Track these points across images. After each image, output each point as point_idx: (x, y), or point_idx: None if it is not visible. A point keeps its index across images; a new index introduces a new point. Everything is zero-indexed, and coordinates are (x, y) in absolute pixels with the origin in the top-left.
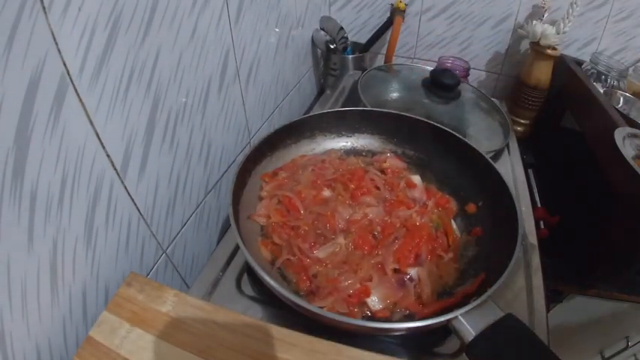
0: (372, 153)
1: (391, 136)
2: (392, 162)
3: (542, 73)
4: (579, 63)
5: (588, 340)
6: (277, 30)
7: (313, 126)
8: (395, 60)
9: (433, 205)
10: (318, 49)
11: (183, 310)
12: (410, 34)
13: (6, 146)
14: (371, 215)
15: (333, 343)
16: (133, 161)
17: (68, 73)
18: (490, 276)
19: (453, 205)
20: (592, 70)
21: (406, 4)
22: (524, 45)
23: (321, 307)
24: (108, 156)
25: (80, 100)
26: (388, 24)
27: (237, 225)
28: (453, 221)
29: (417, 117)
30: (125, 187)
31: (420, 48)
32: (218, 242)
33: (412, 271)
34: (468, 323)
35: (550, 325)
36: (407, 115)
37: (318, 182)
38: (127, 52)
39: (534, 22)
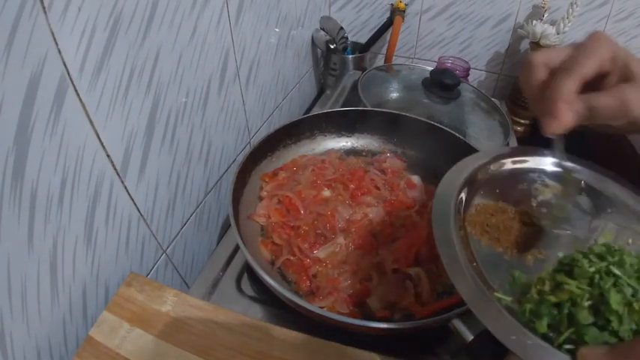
0: (372, 153)
1: (391, 136)
2: (392, 162)
3: None
4: None
5: None
6: (277, 30)
7: (313, 126)
8: (395, 60)
9: None
10: (318, 49)
11: (183, 310)
12: (410, 34)
13: (6, 146)
14: (371, 215)
15: (333, 343)
16: (133, 161)
17: (68, 73)
18: None
19: None
20: None
21: (406, 4)
22: (524, 45)
23: (321, 307)
24: (108, 156)
25: (80, 100)
26: (388, 24)
27: (237, 225)
28: None
29: (417, 117)
30: (125, 187)
31: (420, 48)
32: (218, 242)
33: (412, 271)
34: (468, 323)
35: None
36: (407, 115)
37: (318, 182)
38: (127, 52)
39: (534, 22)
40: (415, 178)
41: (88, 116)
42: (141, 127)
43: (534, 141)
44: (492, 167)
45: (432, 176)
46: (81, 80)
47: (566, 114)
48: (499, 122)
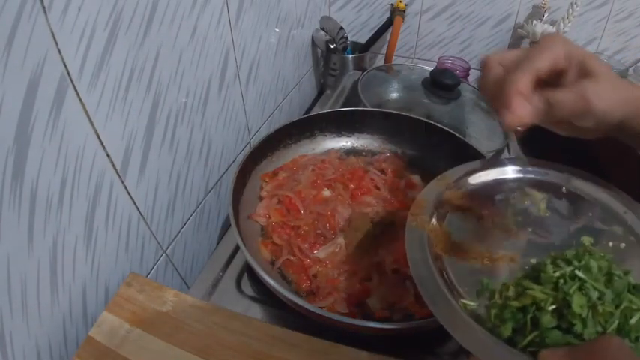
0: (372, 153)
1: (391, 136)
2: (392, 162)
3: None
4: None
5: None
6: (277, 30)
7: (313, 126)
8: (395, 60)
9: None
10: (318, 49)
11: (183, 310)
12: (410, 34)
13: (6, 146)
14: (371, 215)
15: (333, 343)
16: (133, 161)
17: (68, 73)
18: None
19: None
20: None
21: (406, 4)
22: (525, 45)
23: (321, 307)
24: (108, 156)
25: (80, 100)
26: (388, 24)
27: (237, 225)
28: None
29: (417, 117)
30: (125, 187)
31: (420, 48)
32: (218, 242)
33: None
34: None
35: None
36: (407, 115)
37: (318, 182)
38: (127, 52)
39: (534, 22)
40: (415, 178)
41: (88, 116)
42: (141, 127)
43: (534, 141)
44: (464, 182)
45: (432, 176)
46: (81, 80)
47: (521, 106)
48: (499, 122)
